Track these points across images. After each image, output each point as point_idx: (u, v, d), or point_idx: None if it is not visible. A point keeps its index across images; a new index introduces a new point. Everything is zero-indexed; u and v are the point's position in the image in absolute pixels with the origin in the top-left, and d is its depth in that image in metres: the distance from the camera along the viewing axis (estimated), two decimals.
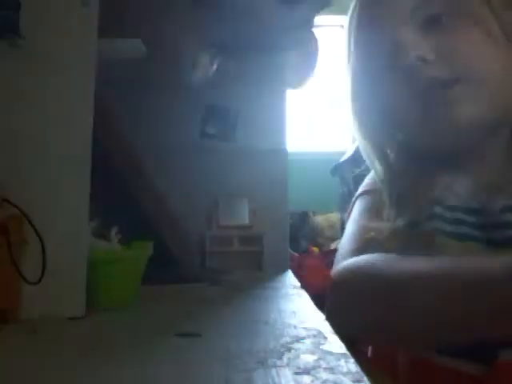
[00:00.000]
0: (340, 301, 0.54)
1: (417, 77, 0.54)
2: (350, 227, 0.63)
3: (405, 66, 0.54)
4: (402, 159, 0.62)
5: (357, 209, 0.66)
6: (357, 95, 0.63)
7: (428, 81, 0.54)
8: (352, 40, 0.62)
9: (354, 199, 0.69)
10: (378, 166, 0.63)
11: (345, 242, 0.62)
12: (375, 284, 0.51)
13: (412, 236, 0.57)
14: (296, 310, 0.56)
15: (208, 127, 1.13)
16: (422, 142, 0.60)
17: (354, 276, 0.53)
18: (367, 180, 0.70)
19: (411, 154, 0.62)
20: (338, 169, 2.45)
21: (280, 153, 1.12)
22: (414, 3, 0.55)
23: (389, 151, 0.63)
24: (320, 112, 3.59)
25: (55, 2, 0.54)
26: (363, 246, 0.57)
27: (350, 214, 0.69)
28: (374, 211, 0.62)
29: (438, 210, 0.57)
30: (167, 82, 1.12)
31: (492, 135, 0.57)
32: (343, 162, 2.38)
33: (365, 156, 0.65)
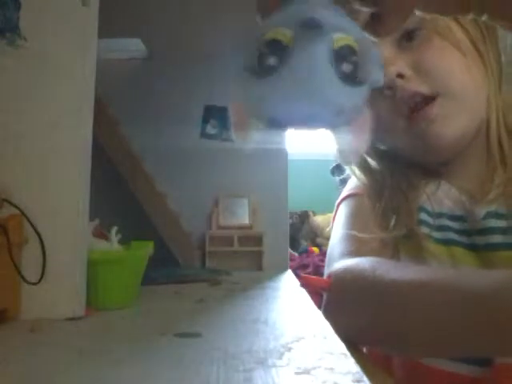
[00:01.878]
0: (333, 302, 0.54)
1: (397, 92, 0.55)
2: (339, 231, 0.63)
3: (384, 81, 0.55)
4: (385, 168, 0.63)
5: (343, 212, 0.66)
6: None
7: (408, 96, 0.55)
8: None
9: (338, 202, 0.70)
10: (357, 172, 0.64)
11: (335, 245, 0.62)
12: (366, 291, 0.51)
13: (402, 241, 0.57)
14: (296, 309, 0.56)
15: (208, 127, 1.13)
16: (406, 154, 0.61)
17: (348, 280, 0.53)
18: (351, 183, 0.70)
19: (394, 163, 0.62)
20: (338, 169, 2.45)
21: (280, 153, 1.12)
22: None
23: (369, 159, 0.64)
24: None
25: (55, 2, 0.54)
26: (355, 249, 0.57)
27: (334, 217, 0.69)
28: (360, 216, 0.63)
29: (423, 216, 0.58)
30: (167, 82, 1.12)
31: (470, 145, 0.58)
32: None
33: (344, 163, 0.66)
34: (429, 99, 0.55)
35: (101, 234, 0.61)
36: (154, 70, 1.13)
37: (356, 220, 0.63)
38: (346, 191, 0.70)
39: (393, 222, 0.58)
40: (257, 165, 1.11)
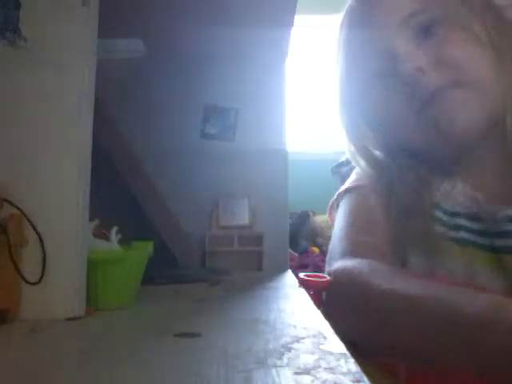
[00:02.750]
0: (331, 303, 0.54)
1: (416, 87, 0.55)
2: (342, 227, 0.63)
3: (402, 76, 0.55)
4: (395, 163, 0.62)
5: (346, 206, 0.66)
6: (344, 98, 0.63)
7: (428, 90, 0.54)
8: (342, 43, 0.62)
9: (339, 194, 0.69)
10: (364, 165, 0.63)
11: (336, 243, 0.62)
12: (361, 297, 0.51)
13: (413, 240, 0.57)
14: (296, 309, 0.56)
15: (208, 127, 1.13)
16: (418, 147, 0.60)
17: (345, 282, 0.53)
18: (353, 176, 0.70)
19: (405, 159, 0.62)
20: (338, 169, 2.44)
21: (280, 153, 1.12)
22: (405, 13, 0.56)
23: (378, 153, 0.63)
24: (320, 112, 3.58)
25: (55, 2, 0.54)
26: (356, 248, 0.57)
27: (331, 210, 0.68)
28: (364, 211, 0.62)
29: (438, 214, 0.57)
30: (167, 81, 1.12)
31: (485, 143, 0.57)
32: (343, 161, 2.38)
33: (349, 156, 0.65)
34: (447, 89, 0.54)
35: (101, 233, 0.61)
36: (154, 70, 1.13)
37: (359, 215, 0.62)
38: (348, 183, 0.69)
39: (405, 219, 0.57)
40: (257, 165, 1.11)
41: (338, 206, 0.69)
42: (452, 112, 0.54)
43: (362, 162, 0.64)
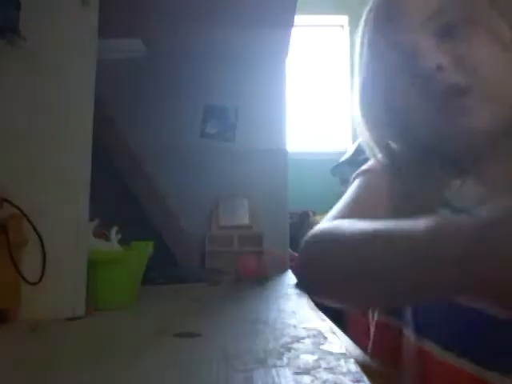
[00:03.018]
0: (304, 260, 0.54)
1: (433, 83, 0.55)
2: (343, 200, 0.63)
3: (421, 72, 0.55)
4: (410, 154, 0.62)
5: (355, 185, 0.66)
6: (366, 92, 0.64)
7: (444, 87, 0.55)
8: (366, 39, 0.63)
9: (354, 176, 0.69)
10: (378, 152, 0.63)
11: (331, 210, 0.62)
12: (332, 244, 0.51)
13: None
14: (296, 309, 0.56)
15: (208, 127, 1.13)
16: (435, 144, 0.60)
17: (319, 236, 0.53)
18: (370, 162, 0.70)
19: (421, 152, 0.62)
20: (338, 169, 2.44)
21: (280, 153, 1.12)
22: (430, 12, 0.57)
23: (394, 145, 0.64)
24: (320, 112, 3.58)
25: (55, 1, 0.54)
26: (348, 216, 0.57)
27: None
28: (370, 192, 0.63)
29: (446, 212, 0.57)
30: (167, 81, 1.12)
31: (502, 139, 0.57)
32: (343, 161, 2.38)
33: (366, 148, 0.66)
34: (464, 90, 0.55)
35: (101, 233, 0.61)
36: (154, 70, 1.13)
37: (365, 193, 0.62)
38: (363, 167, 0.69)
39: (411, 208, 0.57)
40: (257, 165, 1.11)
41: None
42: (462, 117, 0.55)
43: (379, 154, 0.65)
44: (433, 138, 0.60)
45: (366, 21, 0.64)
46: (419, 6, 0.58)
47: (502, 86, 0.56)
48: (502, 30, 0.56)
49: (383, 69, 0.61)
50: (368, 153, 0.67)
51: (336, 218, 0.58)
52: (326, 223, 0.56)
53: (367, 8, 0.64)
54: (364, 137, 0.66)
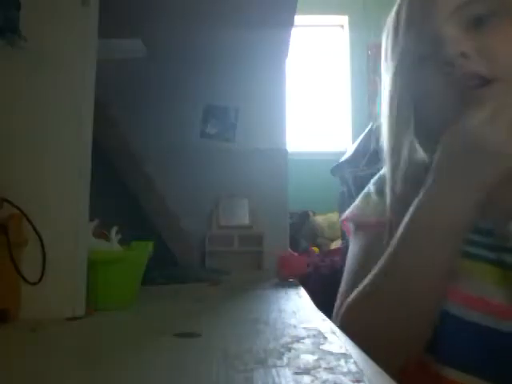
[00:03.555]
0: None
1: (457, 71, 0.55)
2: (352, 265, 0.63)
3: (446, 59, 0.56)
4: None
5: (357, 249, 0.66)
6: (396, 76, 0.63)
7: (467, 75, 0.55)
8: (400, 27, 0.63)
9: (350, 217, 0.69)
10: (390, 157, 0.62)
11: (344, 280, 0.62)
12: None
13: None
14: (296, 309, 0.56)
15: (208, 127, 1.13)
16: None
17: (353, 307, 0.56)
18: (360, 205, 0.69)
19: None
20: (338, 169, 2.44)
21: (280, 153, 1.13)
22: (458, 3, 0.57)
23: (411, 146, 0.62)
24: (320, 112, 3.58)
25: (55, 1, 0.54)
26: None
27: (344, 221, 0.68)
28: (375, 252, 0.61)
29: (472, 236, 0.56)
30: (167, 82, 1.13)
31: None
32: (343, 161, 2.38)
33: (385, 152, 0.64)
34: (486, 81, 0.55)
35: (101, 233, 0.61)
36: (154, 70, 1.13)
37: (369, 257, 0.62)
38: (358, 210, 0.69)
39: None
40: (257, 165, 1.11)
41: (352, 224, 0.69)
42: (477, 108, 0.54)
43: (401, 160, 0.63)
44: (451, 123, 0.58)
45: (395, 20, 0.64)
46: None
47: None
48: None
49: (410, 60, 0.61)
50: (385, 158, 0.65)
51: (349, 290, 0.59)
52: (349, 297, 0.57)
53: (394, 10, 0.64)
54: (385, 140, 0.65)
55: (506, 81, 0.54)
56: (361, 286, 0.55)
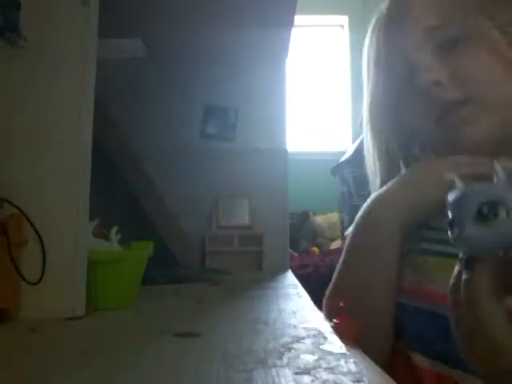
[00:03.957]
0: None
1: (432, 99, 0.56)
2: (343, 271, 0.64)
3: (421, 88, 0.57)
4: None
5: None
6: (375, 103, 0.65)
7: (442, 103, 0.56)
8: (372, 50, 0.64)
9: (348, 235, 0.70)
10: (377, 163, 0.64)
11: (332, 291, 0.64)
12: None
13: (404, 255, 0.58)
14: (296, 309, 0.56)
15: (208, 127, 1.13)
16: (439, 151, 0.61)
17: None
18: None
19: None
20: (338, 169, 2.44)
21: (280, 153, 1.12)
22: (430, 26, 0.58)
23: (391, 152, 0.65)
24: (320, 112, 3.58)
25: (55, 1, 0.54)
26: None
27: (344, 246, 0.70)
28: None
29: (426, 233, 0.58)
30: (167, 82, 1.12)
31: (503, 151, 0.58)
32: (343, 161, 2.38)
33: (366, 154, 0.66)
34: (461, 104, 0.56)
35: (101, 233, 0.61)
36: (154, 70, 1.13)
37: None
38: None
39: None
40: (257, 165, 1.11)
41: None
42: (461, 128, 0.56)
43: (377, 161, 0.65)
44: (433, 149, 0.61)
45: (372, 31, 0.65)
46: (421, 20, 0.59)
47: (499, 95, 0.57)
48: (502, 47, 0.57)
49: (390, 79, 0.63)
50: (367, 160, 0.68)
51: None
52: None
53: (374, 19, 0.65)
54: (367, 143, 0.67)
55: (480, 102, 0.56)
56: (333, 279, 0.62)
